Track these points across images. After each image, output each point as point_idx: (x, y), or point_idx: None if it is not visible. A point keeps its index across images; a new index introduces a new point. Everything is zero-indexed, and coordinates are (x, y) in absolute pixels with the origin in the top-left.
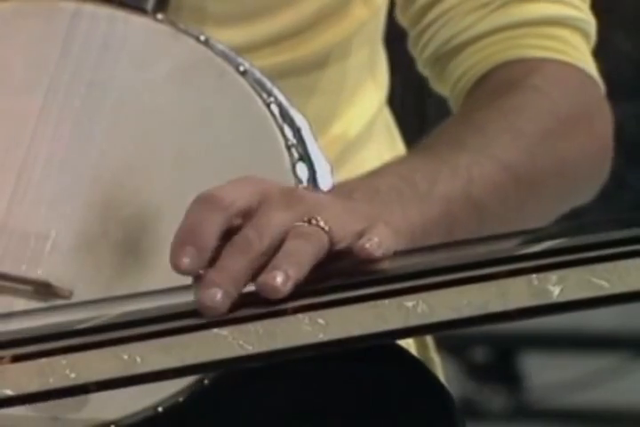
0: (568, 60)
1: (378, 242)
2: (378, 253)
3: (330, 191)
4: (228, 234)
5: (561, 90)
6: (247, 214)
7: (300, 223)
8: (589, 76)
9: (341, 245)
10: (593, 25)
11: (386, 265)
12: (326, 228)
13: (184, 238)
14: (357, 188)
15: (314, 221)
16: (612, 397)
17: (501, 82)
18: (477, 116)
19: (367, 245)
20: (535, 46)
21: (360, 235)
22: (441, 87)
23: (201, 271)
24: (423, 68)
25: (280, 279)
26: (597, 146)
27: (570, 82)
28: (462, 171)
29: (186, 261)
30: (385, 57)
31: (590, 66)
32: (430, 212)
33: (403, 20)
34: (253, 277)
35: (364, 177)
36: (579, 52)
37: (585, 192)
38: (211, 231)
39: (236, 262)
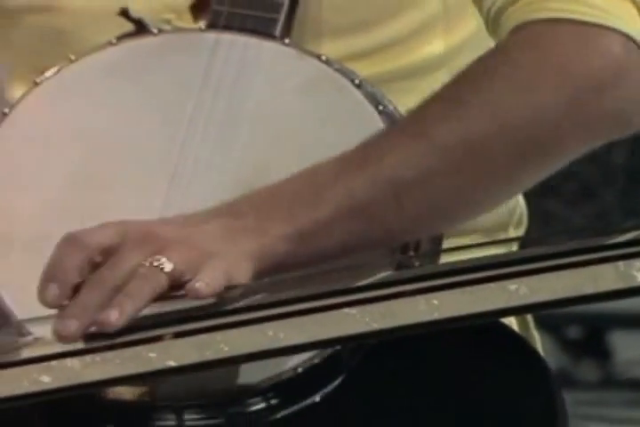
0: (585, 19)
1: (205, 284)
2: (204, 293)
3: (190, 219)
4: (94, 270)
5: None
6: (108, 252)
7: (145, 264)
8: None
9: (186, 278)
10: None
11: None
12: (167, 268)
13: (47, 275)
14: (245, 202)
15: (156, 262)
16: None
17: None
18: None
19: (196, 285)
20: (553, 9)
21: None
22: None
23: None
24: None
25: (113, 317)
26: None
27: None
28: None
29: (49, 295)
30: None
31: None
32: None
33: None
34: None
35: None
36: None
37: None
38: (70, 267)
39: (90, 297)
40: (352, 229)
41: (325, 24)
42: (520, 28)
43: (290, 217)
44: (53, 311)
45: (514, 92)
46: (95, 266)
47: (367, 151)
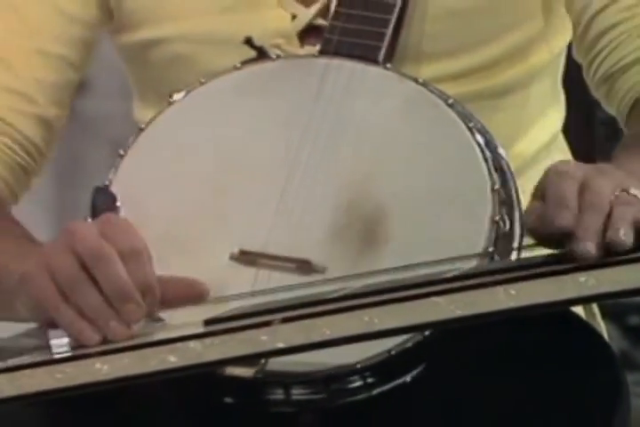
0: None
1: None
2: None
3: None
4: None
5: None
6: (584, 185)
7: (620, 193)
8: None
9: None
10: None
11: None
12: (638, 195)
13: (559, 204)
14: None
15: (630, 191)
16: None
17: None
18: None
19: None
20: None
21: None
22: (610, 105)
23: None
24: (595, 91)
25: (623, 234)
26: None
27: None
28: None
29: (564, 222)
30: (562, 90)
31: None
32: None
33: (578, 52)
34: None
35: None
36: None
37: None
38: (573, 197)
39: (594, 221)
40: None
41: (424, 50)
42: None
43: None
44: None
45: None
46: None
47: None
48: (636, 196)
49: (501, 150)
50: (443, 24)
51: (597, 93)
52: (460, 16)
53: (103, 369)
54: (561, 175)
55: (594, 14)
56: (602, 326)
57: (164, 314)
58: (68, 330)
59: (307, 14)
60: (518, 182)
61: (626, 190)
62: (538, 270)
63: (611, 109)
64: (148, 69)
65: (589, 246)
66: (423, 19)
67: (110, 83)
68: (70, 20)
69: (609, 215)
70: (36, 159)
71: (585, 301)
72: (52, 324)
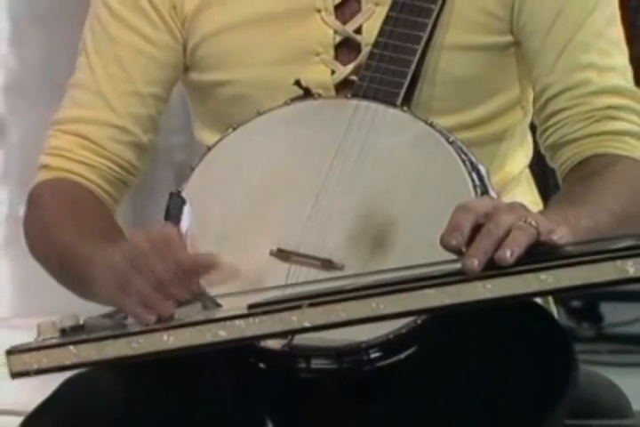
0: (636, 157)
1: (561, 236)
2: (560, 242)
3: None
4: (477, 228)
5: (633, 172)
6: (487, 216)
7: (520, 222)
8: None
9: (542, 237)
10: None
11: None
12: (534, 225)
13: (452, 229)
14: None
15: (527, 220)
16: None
17: (594, 167)
18: (590, 184)
19: (555, 238)
20: (614, 147)
21: (551, 232)
22: (553, 164)
23: (462, 249)
24: (544, 150)
25: (509, 254)
26: None
27: (637, 169)
28: (591, 215)
29: (453, 242)
30: (530, 137)
31: None
32: (577, 238)
33: (535, 118)
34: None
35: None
36: None
37: None
38: (467, 225)
39: (485, 244)
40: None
41: (433, 107)
42: (596, 157)
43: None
44: (232, 290)
45: (627, 187)
46: (478, 226)
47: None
48: (531, 224)
49: (488, 179)
50: (448, 88)
51: (545, 152)
52: (462, 82)
53: (169, 340)
54: (461, 208)
55: (549, 97)
56: (553, 309)
57: (220, 300)
58: (131, 315)
59: (343, 71)
60: None
61: (525, 219)
62: (509, 270)
63: (553, 166)
64: (212, 103)
65: (472, 261)
66: (433, 83)
67: (174, 121)
68: (160, 66)
69: (504, 239)
70: (132, 173)
71: (544, 294)
72: None
